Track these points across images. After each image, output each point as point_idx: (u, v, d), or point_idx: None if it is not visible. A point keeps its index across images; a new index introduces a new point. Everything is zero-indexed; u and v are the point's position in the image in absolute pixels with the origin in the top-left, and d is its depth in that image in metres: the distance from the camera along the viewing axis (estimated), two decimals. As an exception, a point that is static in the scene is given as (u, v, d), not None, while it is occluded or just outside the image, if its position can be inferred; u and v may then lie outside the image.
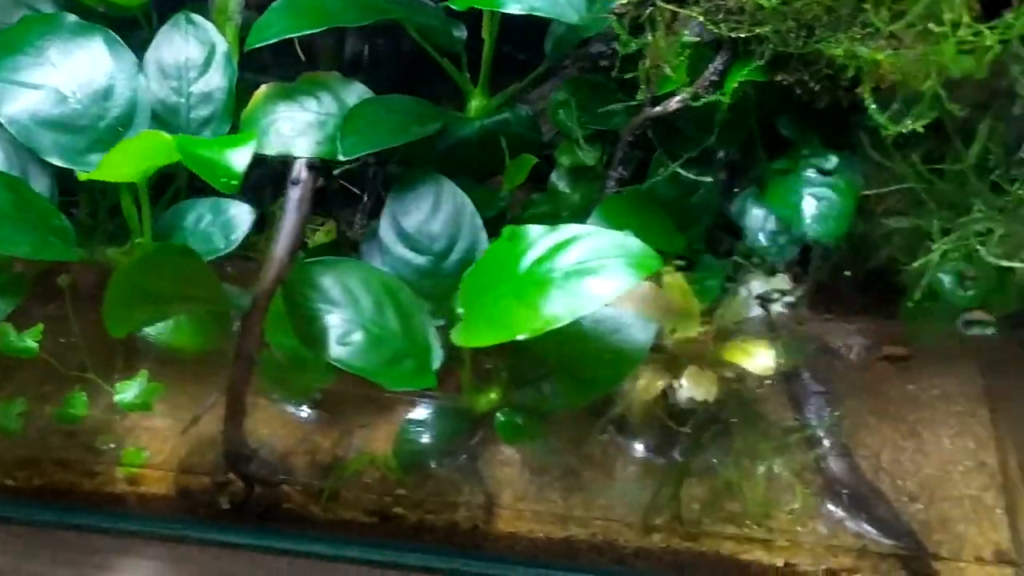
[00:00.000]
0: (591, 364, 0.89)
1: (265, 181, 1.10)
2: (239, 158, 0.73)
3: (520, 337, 0.78)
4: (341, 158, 0.92)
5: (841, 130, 0.96)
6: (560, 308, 0.77)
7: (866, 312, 1.02)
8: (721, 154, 1.05)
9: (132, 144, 0.77)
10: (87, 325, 1.00)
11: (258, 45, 0.97)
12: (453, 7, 0.97)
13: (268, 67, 1.11)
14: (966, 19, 0.77)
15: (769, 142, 1.02)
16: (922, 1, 0.77)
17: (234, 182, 0.72)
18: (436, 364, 0.90)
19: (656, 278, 0.90)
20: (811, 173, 0.94)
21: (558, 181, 1.09)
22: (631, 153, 1.03)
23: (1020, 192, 0.83)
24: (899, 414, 1.03)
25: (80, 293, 1.03)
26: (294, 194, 0.94)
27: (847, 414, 1.01)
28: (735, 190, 1.06)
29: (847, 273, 1.00)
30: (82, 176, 0.84)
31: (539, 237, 0.84)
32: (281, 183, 0.99)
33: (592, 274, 0.78)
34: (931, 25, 0.78)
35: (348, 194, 1.15)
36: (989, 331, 0.97)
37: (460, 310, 0.87)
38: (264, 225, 1.06)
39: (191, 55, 1.03)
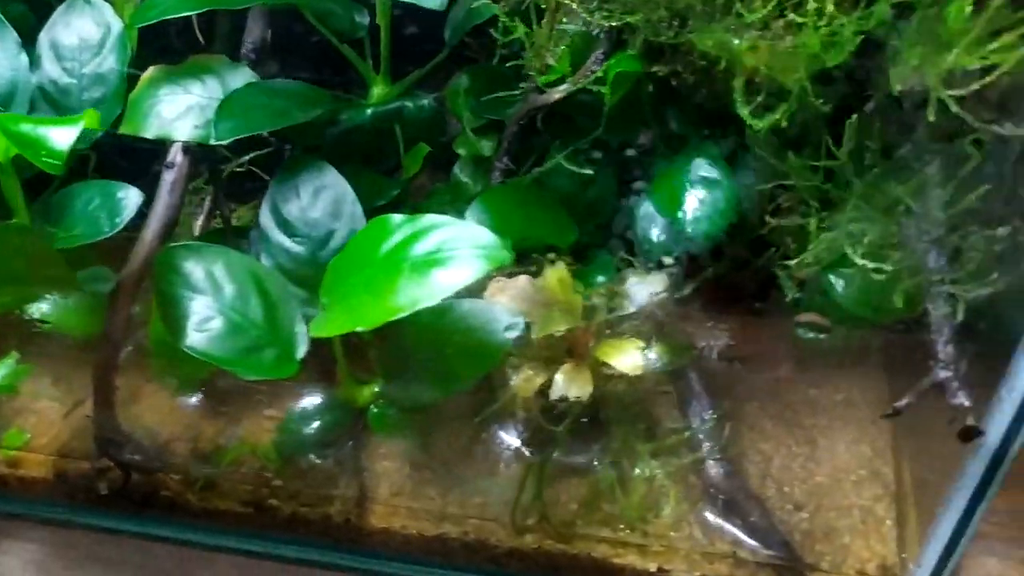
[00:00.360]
0: (453, 358, 0.87)
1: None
2: (62, 137, 0.71)
3: (360, 328, 0.76)
4: (213, 142, 0.90)
5: (733, 125, 0.93)
6: (404, 298, 0.76)
7: (743, 311, 0.99)
8: (640, 146, 1.03)
9: (-41, 122, 0.76)
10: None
11: (143, 24, 0.95)
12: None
13: (176, 51, 1.10)
14: (830, 8, 0.74)
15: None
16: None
17: (57, 162, 0.70)
18: (300, 354, 0.88)
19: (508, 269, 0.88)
20: (695, 170, 0.91)
21: (460, 171, 1.07)
22: (525, 143, 1.00)
23: (896, 191, 0.79)
24: (796, 419, 1.00)
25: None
26: (168, 177, 0.93)
27: (739, 417, 0.98)
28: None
29: (735, 272, 0.97)
30: (-72, 154, 0.84)
31: (398, 226, 0.82)
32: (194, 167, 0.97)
33: (440, 265, 0.77)
34: (794, 16, 0.75)
35: (262, 181, 1.14)
36: (822, 336, 0.93)
37: (323, 299, 0.85)
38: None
39: (86, 36, 1.02)
